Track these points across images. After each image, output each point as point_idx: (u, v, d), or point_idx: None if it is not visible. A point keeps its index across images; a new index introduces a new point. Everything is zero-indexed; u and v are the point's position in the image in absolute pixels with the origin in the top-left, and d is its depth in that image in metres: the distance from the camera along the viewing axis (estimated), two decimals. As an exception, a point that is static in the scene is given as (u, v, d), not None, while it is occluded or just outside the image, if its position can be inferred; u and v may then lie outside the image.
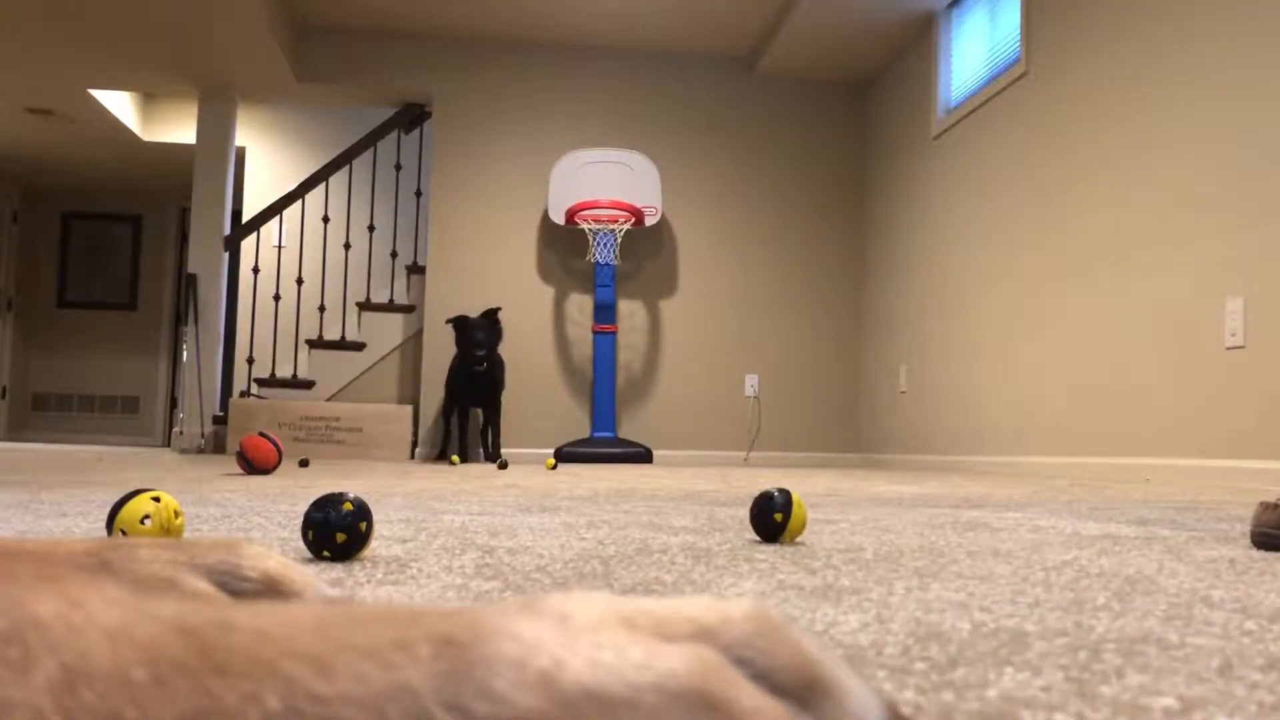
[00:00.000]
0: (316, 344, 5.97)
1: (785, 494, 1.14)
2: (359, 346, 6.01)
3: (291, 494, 1.95)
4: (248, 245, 6.84)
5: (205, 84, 6.03)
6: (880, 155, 6.11)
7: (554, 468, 3.99)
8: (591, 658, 0.18)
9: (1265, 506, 1.12)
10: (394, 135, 6.65)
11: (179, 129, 7.36)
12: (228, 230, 5.97)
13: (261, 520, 1.34)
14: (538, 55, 6.07)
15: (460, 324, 5.01)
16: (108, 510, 1.04)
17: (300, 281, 5.98)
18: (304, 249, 6.71)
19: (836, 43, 5.74)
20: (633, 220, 5.64)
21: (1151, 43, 3.63)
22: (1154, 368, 3.53)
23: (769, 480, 3.19)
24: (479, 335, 4.93)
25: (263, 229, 6.68)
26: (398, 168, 6.16)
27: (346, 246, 5.90)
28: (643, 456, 5.49)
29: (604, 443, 5.52)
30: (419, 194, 6.13)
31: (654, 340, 6.03)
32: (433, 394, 5.82)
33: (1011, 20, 4.72)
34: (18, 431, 8.84)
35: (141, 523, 0.97)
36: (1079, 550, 1.12)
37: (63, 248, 9.00)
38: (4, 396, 8.73)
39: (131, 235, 9.03)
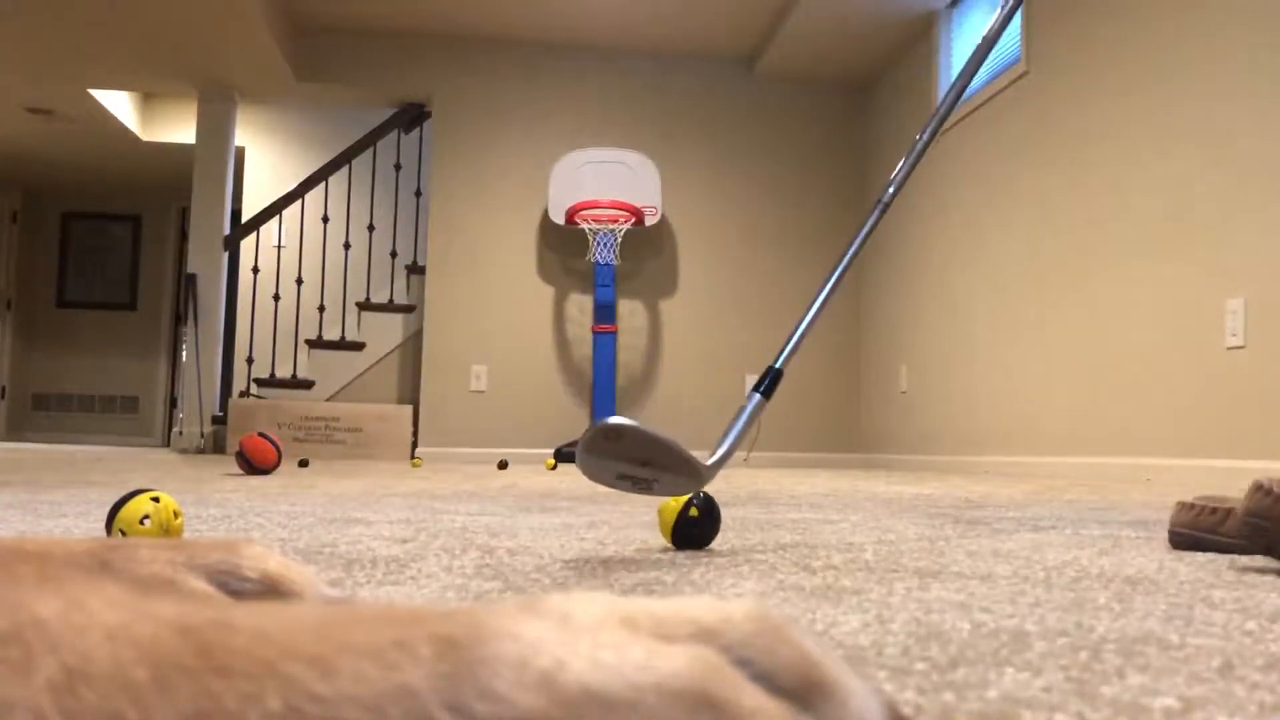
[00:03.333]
0: (316, 344, 5.97)
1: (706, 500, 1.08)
2: (359, 346, 6.01)
3: (291, 494, 1.95)
4: (247, 245, 6.84)
5: (205, 84, 6.03)
6: (880, 155, 6.11)
7: (554, 468, 3.99)
8: (592, 658, 0.18)
9: (1181, 506, 1.13)
10: (394, 135, 6.65)
11: (179, 129, 7.36)
12: (228, 230, 5.97)
13: (261, 520, 1.34)
14: (538, 55, 6.07)
15: None
16: (107, 510, 1.04)
17: (300, 281, 5.98)
18: (304, 249, 6.71)
19: (836, 43, 5.74)
20: (633, 220, 5.64)
21: (1152, 42, 3.63)
22: (1154, 367, 3.53)
23: (770, 480, 3.18)
24: None
25: (262, 229, 6.67)
26: (397, 167, 6.16)
27: (346, 246, 5.89)
28: (642, 456, 5.49)
29: (604, 443, 5.51)
30: (419, 194, 6.13)
31: (654, 340, 6.03)
32: (434, 393, 5.81)
33: (1012, 20, 4.72)
34: (18, 431, 8.84)
35: (141, 523, 0.97)
36: (1079, 550, 1.12)
37: (62, 248, 8.99)
38: (4, 396, 8.73)
39: (131, 235, 9.03)
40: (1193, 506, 1.11)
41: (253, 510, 1.51)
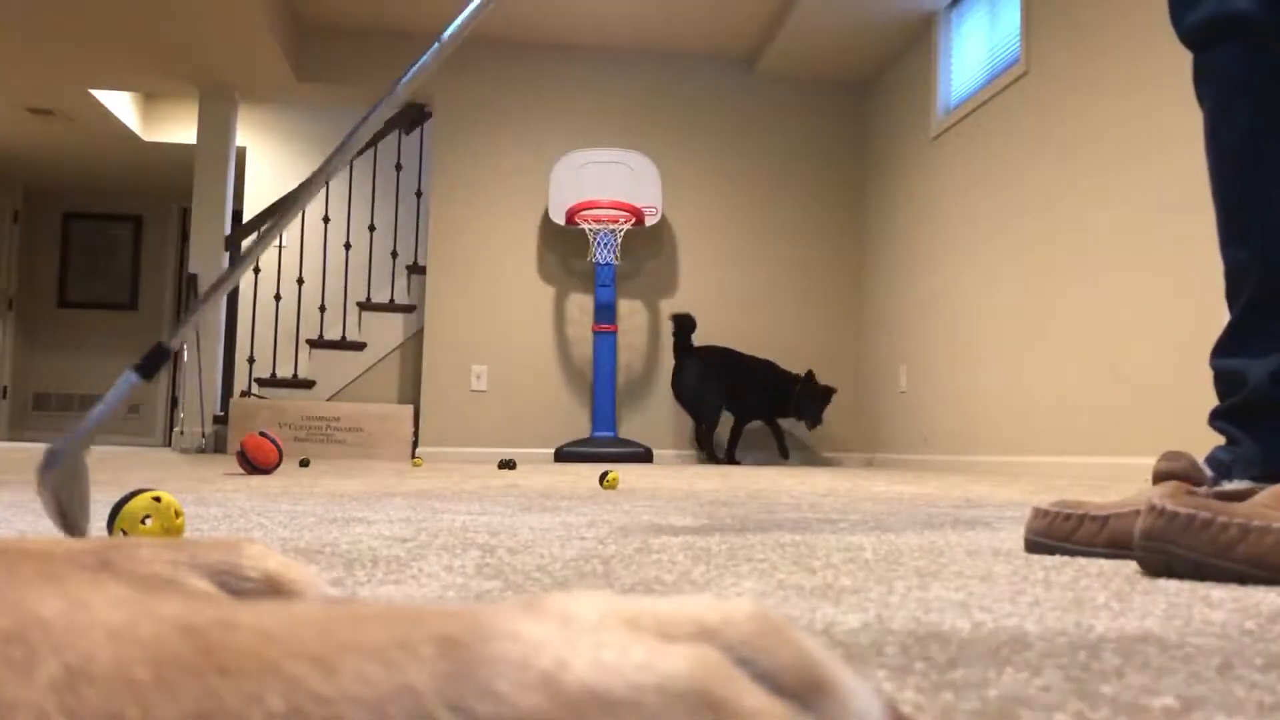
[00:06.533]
0: (317, 344, 5.97)
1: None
2: (359, 346, 6.01)
3: (292, 494, 1.95)
4: (248, 245, 6.83)
5: (205, 84, 6.03)
6: (880, 155, 6.11)
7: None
8: (594, 658, 0.18)
9: (1036, 513, 1.11)
10: (394, 135, 6.65)
11: (179, 129, 7.35)
12: (228, 230, 5.97)
13: (263, 520, 1.34)
14: (538, 55, 6.07)
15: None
16: (108, 510, 1.04)
17: (300, 281, 5.98)
18: (304, 249, 6.71)
19: (836, 43, 5.74)
20: (633, 220, 5.64)
21: (1151, 42, 3.63)
22: (1154, 367, 3.53)
23: (769, 480, 3.19)
24: None
25: (263, 229, 6.67)
26: (398, 168, 6.16)
27: (347, 246, 5.90)
28: (643, 456, 5.49)
29: (604, 442, 5.52)
30: (419, 194, 6.13)
31: (654, 340, 6.03)
32: (434, 393, 5.81)
33: (1011, 20, 4.72)
34: (18, 431, 8.84)
35: (142, 522, 0.97)
36: (1079, 550, 1.12)
37: (63, 248, 8.99)
38: (4, 396, 8.73)
39: (132, 235, 9.03)
40: (1046, 514, 1.10)
41: (254, 510, 1.51)
